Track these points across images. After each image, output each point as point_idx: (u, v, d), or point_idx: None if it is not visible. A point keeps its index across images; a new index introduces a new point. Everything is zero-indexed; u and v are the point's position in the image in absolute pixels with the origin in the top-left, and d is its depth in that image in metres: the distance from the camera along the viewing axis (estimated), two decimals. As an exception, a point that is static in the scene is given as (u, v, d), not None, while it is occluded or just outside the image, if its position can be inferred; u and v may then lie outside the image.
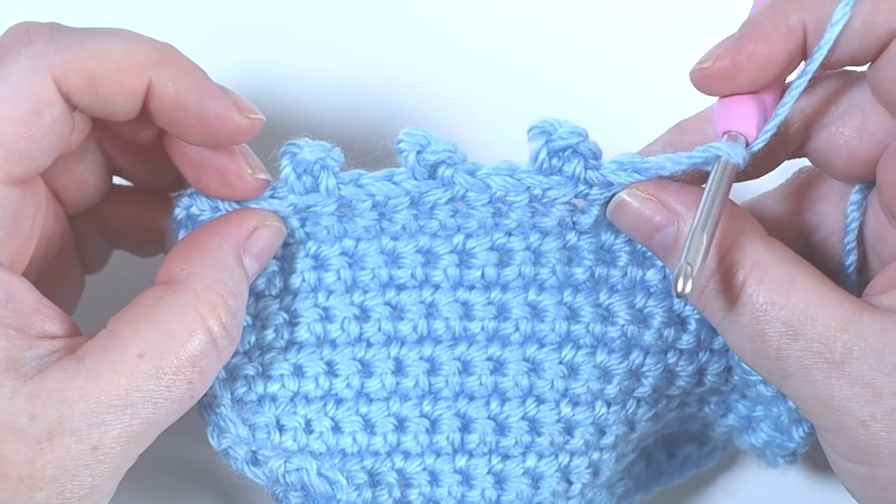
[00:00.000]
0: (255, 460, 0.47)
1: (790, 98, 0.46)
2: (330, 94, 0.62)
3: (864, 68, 0.47)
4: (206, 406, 0.48)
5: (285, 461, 0.47)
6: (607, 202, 0.48)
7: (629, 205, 0.47)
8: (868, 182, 0.49)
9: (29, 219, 0.44)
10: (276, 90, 0.61)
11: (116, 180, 0.52)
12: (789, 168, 0.52)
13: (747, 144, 0.46)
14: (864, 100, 0.47)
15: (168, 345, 0.43)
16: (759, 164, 0.48)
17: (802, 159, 0.50)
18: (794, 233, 0.51)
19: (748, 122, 0.46)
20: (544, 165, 0.47)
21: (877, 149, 0.47)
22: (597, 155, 0.47)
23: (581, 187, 0.47)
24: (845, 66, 0.47)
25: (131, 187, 0.52)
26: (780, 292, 0.43)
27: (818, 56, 0.45)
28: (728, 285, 0.44)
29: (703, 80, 0.46)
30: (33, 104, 0.42)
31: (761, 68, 0.45)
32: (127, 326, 0.43)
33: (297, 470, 0.47)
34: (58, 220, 0.48)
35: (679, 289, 0.41)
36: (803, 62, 0.46)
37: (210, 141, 0.45)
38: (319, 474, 0.47)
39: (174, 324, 0.43)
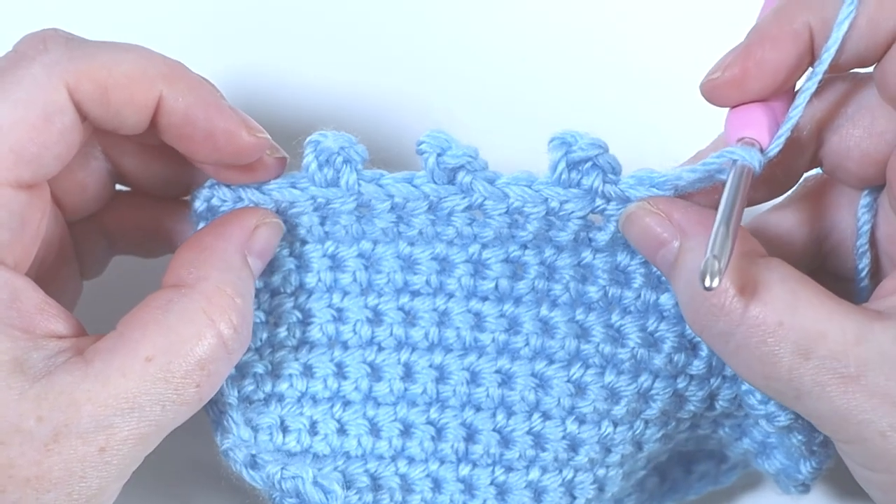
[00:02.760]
0: (253, 464, 0.48)
1: (802, 100, 0.46)
2: (338, 98, 0.62)
3: (871, 69, 0.46)
4: (211, 403, 0.48)
5: (282, 468, 0.48)
6: None
7: (638, 218, 0.46)
8: (878, 185, 0.48)
9: (35, 222, 0.44)
10: (288, 94, 0.62)
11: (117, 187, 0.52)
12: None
13: (762, 151, 0.45)
14: (872, 100, 0.47)
15: (177, 348, 0.43)
16: (779, 181, 0.48)
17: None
18: (806, 241, 0.51)
19: (760, 129, 0.46)
20: (563, 177, 0.47)
21: (887, 148, 0.46)
22: (616, 170, 0.47)
23: (598, 202, 0.47)
24: (854, 66, 0.46)
25: (132, 192, 0.52)
26: (786, 312, 0.42)
27: (826, 57, 0.44)
28: (728, 308, 0.43)
29: (713, 90, 0.46)
30: (45, 110, 0.42)
31: (771, 73, 0.45)
32: (136, 330, 0.43)
33: (293, 478, 0.48)
34: (57, 225, 0.48)
35: (707, 284, 0.40)
36: (811, 68, 0.46)
37: (216, 157, 0.46)
38: (315, 483, 0.48)
39: (184, 327, 0.43)
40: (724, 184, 0.44)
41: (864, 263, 0.49)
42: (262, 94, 0.61)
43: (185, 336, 0.43)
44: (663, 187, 0.46)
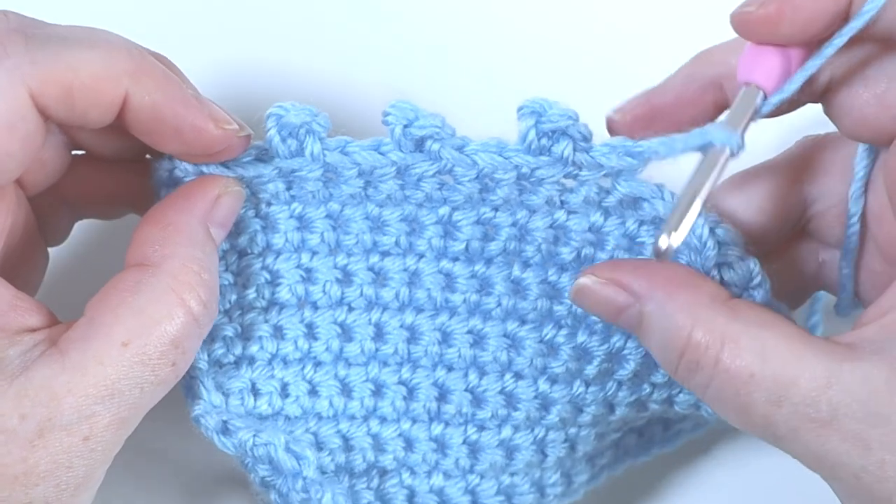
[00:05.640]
0: (224, 430, 0.48)
1: (818, 60, 0.45)
2: (319, 78, 0.62)
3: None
4: None
5: (254, 435, 0.47)
6: (597, 182, 0.47)
7: (590, 290, 0.46)
8: (875, 147, 0.48)
9: (0, 222, 0.44)
10: (269, 82, 0.61)
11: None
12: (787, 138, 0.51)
13: (765, 97, 0.45)
14: (893, 70, 0.45)
15: (151, 331, 0.43)
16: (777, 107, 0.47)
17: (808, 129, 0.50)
18: (793, 202, 0.51)
19: (769, 76, 0.45)
20: (533, 146, 0.46)
21: (889, 122, 0.45)
22: (587, 137, 0.46)
23: (570, 168, 0.46)
24: (884, 37, 0.45)
25: (88, 156, 0.50)
26: (755, 362, 0.42)
27: (858, 22, 0.44)
28: (702, 363, 0.43)
29: (743, 24, 0.45)
30: (8, 119, 0.41)
31: (804, 21, 0.44)
32: (107, 314, 0.43)
33: (265, 445, 0.47)
34: (19, 204, 0.47)
35: (660, 244, 0.42)
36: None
37: (185, 151, 0.45)
38: (287, 450, 0.48)
39: (154, 309, 0.43)
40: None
41: (856, 207, 0.49)
42: (236, 78, 0.61)
43: (156, 317, 0.43)
44: (638, 157, 0.46)
